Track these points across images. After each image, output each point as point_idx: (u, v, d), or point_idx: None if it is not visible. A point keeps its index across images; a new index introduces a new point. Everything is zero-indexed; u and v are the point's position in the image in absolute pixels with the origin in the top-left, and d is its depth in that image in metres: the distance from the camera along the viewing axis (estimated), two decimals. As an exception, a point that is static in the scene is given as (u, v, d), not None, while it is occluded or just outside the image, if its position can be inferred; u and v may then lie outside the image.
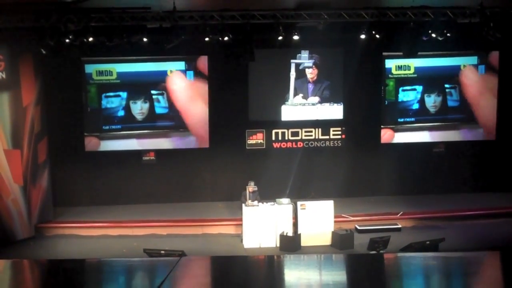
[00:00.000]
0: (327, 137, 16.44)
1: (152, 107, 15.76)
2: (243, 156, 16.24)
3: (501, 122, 16.62)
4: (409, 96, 16.48)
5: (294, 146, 16.39)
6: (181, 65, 15.67)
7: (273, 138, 16.31)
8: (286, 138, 16.34)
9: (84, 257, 12.16)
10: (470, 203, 15.64)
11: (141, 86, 15.67)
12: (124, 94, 15.63)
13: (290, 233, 13.31)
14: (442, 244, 12.65)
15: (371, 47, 15.01)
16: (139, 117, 15.74)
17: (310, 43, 15.23)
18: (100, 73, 15.44)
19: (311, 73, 16.02)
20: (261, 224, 13.38)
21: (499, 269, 4.38)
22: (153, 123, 15.84)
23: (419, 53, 15.00)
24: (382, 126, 16.50)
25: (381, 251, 12.52)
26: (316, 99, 16.13)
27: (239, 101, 16.00)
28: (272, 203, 13.63)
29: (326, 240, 13.46)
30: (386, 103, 16.48)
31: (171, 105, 15.78)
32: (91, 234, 14.35)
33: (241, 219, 13.59)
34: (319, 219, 13.49)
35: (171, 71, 15.67)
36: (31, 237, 14.18)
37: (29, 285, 4.28)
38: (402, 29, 14.22)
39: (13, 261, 5.79)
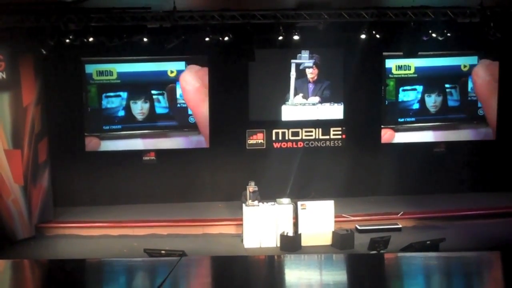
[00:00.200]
0: (328, 137, 16.44)
1: (152, 107, 15.76)
2: (243, 156, 16.24)
3: (501, 121, 16.60)
4: (409, 96, 16.48)
5: (295, 146, 16.39)
6: (182, 65, 15.67)
7: (274, 138, 16.30)
8: (287, 138, 16.34)
9: (84, 257, 12.16)
10: (471, 203, 15.63)
11: (142, 86, 15.68)
12: (124, 94, 15.63)
13: (291, 233, 13.31)
14: (443, 244, 12.64)
15: (371, 47, 15.03)
16: (139, 117, 15.74)
17: (310, 43, 15.23)
18: (101, 73, 15.44)
19: (311, 73, 16.02)
20: (261, 224, 13.38)
21: (499, 269, 4.38)
22: (154, 123, 15.83)
23: (420, 53, 15.02)
24: (382, 126, 16.50)
25: (382, 251, 12.52)
26: (316, 99, 16.13)
27: (240, 101, 16.00)
28: (273, 203, 13.63)
29: (327, 240, 13.47)
30: (387, 103, 16.48)
31: (174, 105, 15.77)
32: (91, 234, 14.35)
33: (241, 219, 13.59)
34: (319, 219, 13.49)
35: (171, 72, 15.67)
36: (31, 237, 14.19)
37: (30, 285, 4.28)
38: (402, 29, 14.23)
39: (14, 261, 5.80)
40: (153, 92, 15.74)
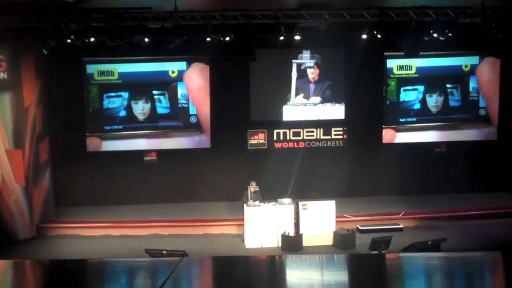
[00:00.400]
0: (329, 137, 16.44)
1: (153, 107, 15.76)
2: (244, 156, 16.24)
3: (503, 121, 16.59)
4: (410, 96, 16.48)
5: (296, 146, 16.39)
6: (183, 65, 15.68)
7: (275, 138, 16.30)
8: (288, 138, 16.33)
9: (86, 257, 12.15)
10: (472, 203, 15.61)
11: (143, 87, 15.68)
12: (125, 94, 15.64)
13: (292, 233, 13.30)
14: (444, 244, 12.63)
15: (372, 47, 15.02)
16: (140, 117, 15.74)
17: (311, 43, 15.22)
18: (102, 73, 15.44)
19: (312, 73, 16.02)
20: (262, 224, 13.37)
21: (501, 269, 4.37)
22: (156, 123, 15.84)
23: (421, 53, 15.01)
24: (383, 126, 16.50)
25: (383, 251, 12.52)
26: (317, 99, 16.12)
27: (241, 101, 16.00)
28: (274, 203, 13.62)
29: (328, 240, 13.46)
30: (388, 103, 16.47)
31: (176, 104, 15.77)
32: (93, 234, 14.36)
33: (242, 219, 13.60)
34: (320, 219, 13.49)
35: (173, 72, 15.67)
36: (32, 237, 14.20)
37: (31, 286, 4.28)
38: (403, 29, 14.22)
39: (15, 261, 5.79)
40: (154, 92, 15.75)
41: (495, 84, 16.49)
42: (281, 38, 13.89)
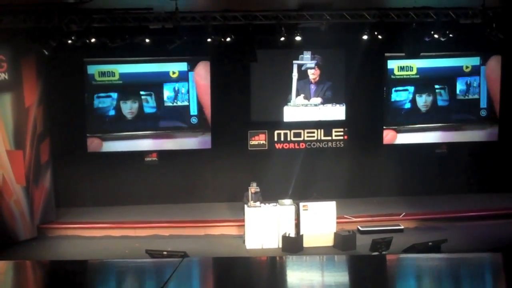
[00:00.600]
0: (329, 138, 16.44)
1: (154, 108, 15.77)
2: (245, 157, 16.24)
3: (504, 122, 16.58)
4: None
5: (297, 147, 16.39)
6: (184, 65, 15.68)
7: (275, 139, 16.30)
8: (289, 139, 16.33)
9: (86, 258, 12.16)
10: (473, 204, 15.61)
11: (144, 87, 15.67)
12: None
13: (292, 234, 13.30)
14: (445, 245, 12.63)
15: (373, 48, 15.01)
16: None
17: (312, 44, 15.21)
18: (103, 74, 15.45)
19: (313, 74, 16.02)
20: (263, 225, 13.37)
21: (501, 271, 4.37)
22: (157, 124, 15.83)
23: (422, 54, 15.00)
24: (384, 127, 16.49)
25: (384, 252, 12.51)
26: (318, 100, 16.12)
27: (241, 102, 16.00)
28: (274, 204, 13.62)
29: (328, 241, 13.45)
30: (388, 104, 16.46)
31: (178, 105, 15.79)
32: (93, 235, 14.36)
33: (243, 220, 13.59)
34: (321, 220, 13.48)
35: (173, 72, 15.68)
36: (33, 238, 14.20)
37: (32, 286, 4.28)
38: (404, 30, 14.23)
39: (16, 262, 5.80)
40: (155, 92, 15.74)
41: (496, 85, 16.48)
42: (282, 38, 13.89)
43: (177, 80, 15.72)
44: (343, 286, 4.15)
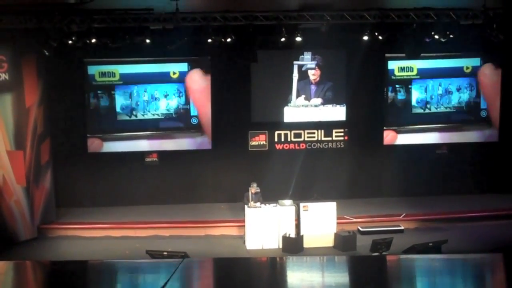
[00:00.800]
0: (330, 138, 16.43)
1: (155, 107, 15.78)
2: (245, 157, 16.24)
3: (504, 123, 16.58)
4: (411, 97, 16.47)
5: (297, 147, 16.39)
6: (184, 66, 15.68)
7: (276, 139, 16.30)
8: (289, 139, 16.33)
9: (86, 258, 12.14)
10: (473, 205, 15.60)
11: (144, 87, 15.68)
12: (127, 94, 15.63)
13: (293, 235, 13.30)
14: (445, 246, 12.63)
15: (373, 48, 15.02)
16: (130, 117, 15.69)
17: (312, 45, 15.21)
18: (103, 74, 15.44)
19: (313, 75, 16.02)
20: (263, 225, 13.37)
21: (502, 271, 4.37)
22: (157, 125, 15.83)
23: (422, 54, 14.99)
24: (384, 128, 16.49)
25: (384, 253, 12.51)
26: (318, 100, 16.12)
27: (242, 103, 16.00)
28: (275, 204, 13.62)
29: (329, 241, 13.45)
30: (389, 104, 16.46)
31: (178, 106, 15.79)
32: (93, 235, 14.36)
33: (243, 221, 13.59)
34: (321, 221, 13.48)
35: (174, 73, 15.68)
36: (33, 238, 14.21)
37: (32, 287, 4.28)
38: (405, 30, 14.24)
39: (16, 262, 5.80)
40: (155, 92, 15.74)
41: (496, 86, 16.48)
42: (282, 39, 13.90)
43: (177, 80, 15.71)
44: (343, 287, 4.15)
